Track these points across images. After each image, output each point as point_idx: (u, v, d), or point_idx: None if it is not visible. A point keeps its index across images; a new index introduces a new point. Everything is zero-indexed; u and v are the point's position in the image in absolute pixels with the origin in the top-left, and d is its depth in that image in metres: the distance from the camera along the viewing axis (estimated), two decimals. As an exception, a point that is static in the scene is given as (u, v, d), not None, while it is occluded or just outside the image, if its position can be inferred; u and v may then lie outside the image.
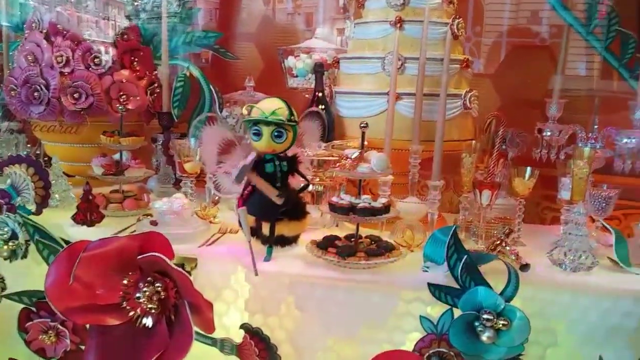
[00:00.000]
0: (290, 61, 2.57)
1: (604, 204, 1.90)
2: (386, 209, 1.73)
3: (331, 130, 2.19)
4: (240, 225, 1.74)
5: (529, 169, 1.96)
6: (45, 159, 2.53)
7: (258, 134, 1.69)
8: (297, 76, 2.57)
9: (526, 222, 2.16)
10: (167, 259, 1.52)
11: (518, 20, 3.00)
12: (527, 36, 2.97)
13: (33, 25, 2.45)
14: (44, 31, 2.42)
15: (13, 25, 2.75)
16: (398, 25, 2.11)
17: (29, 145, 2.66)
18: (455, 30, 2.13)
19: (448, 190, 2.27)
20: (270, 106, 1.69)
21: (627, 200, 2.31)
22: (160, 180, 2.59)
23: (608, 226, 1.85)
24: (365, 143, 1.74)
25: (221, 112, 2.58)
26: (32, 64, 2.38)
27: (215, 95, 2.56)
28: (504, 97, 2.99)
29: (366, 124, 1.73)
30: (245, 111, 1.72)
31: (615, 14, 2.08)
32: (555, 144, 2.20)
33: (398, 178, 2.09)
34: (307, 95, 2.55)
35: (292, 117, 1.71)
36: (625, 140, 1.96)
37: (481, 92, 2.65)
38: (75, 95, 2.35)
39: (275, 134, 1.68)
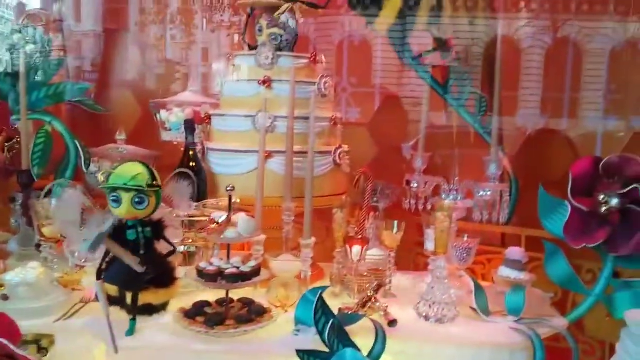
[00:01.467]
0: (163, 115, 2.51)
1: (465, 255, 2.00)
2: (256, 272, 1.71)
3: (203, 188, 2.15)
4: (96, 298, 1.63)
5: (395, 222, 2.03)
6: None
7: (117, 201, 1.61)
8: (170, 130, 2.51)
9: (400, 269, 2.24)
10: (10, 344, 1.38)
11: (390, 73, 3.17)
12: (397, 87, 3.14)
13: None
14: None
15: None
16: (267, 84, 2.14)
17: None
18: (323, 89, 2.19)
19: (328, 238, 2.30)
20: (130, 172, 1.62)
21: (489, 245, 2.47)
22: (21, 243, 2.39)
23: (468, 277, 1.95)
24: (237, 201, 1.72)
25: (87, 167, 2.45)
26: None
27: (80, 150, 2.43)
28: (379, 144, 3.12)
29: (232, 187, 1.71)
30: (102, 177, 1.63)
31: (469, 76, 2.25)
32: (422, 195, 2.30)
33: (273, 233, 2.09)
34: (181, 149, 2.49)
35: (155, 182, 1.64)
36: (481, 193, 2.09)
37: (358, 139, 2.74)
38: None
39: (136, 200, 1.61)
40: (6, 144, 2.33)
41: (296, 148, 2.06)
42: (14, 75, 2.38)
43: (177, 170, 1.85)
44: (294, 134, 2.03)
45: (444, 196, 2.20)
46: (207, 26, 3.50)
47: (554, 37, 3.10)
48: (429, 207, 2.29)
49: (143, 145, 2.70)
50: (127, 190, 1.60)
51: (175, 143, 2.54)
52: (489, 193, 2.09)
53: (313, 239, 1.97)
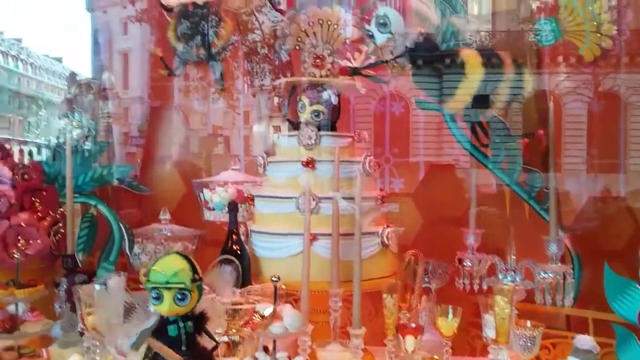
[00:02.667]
0: (206, 194, 2.50)
1: (529, 344, 1.84)
2: (303, 368, 1.61)
3: (246, 273, 2.08)
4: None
5: (450, 309, 1.90)
6: None
7: (159, 298, 1.54)
8: (213, 209, 2.48)
9: (455, 354, 2.08)
10: None
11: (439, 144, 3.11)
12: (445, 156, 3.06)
13: None
14: None
15: None
16: (310, 165, 2.09)
17: None
18: (367, 168, 2.13)
19: (377, 317, 2.18)
20: (171, 268, 1.56)
21: (553, 328, 2.29)
22: (64, 329, 2.35)
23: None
24: (282, 287, 1.64)
25: (131, 250, 2.42)
26: None
27: (125, 232, 2.41)
28: (425, 215, 3.02)
29: (278, 277, 1.64)
30: (143, 276, 1.58)
31: (516, 146, 2.15)
32: (477, 274, 2.17)
33: (319, 316, 2.00)
34: (225, 228, 2.46)
35: (197, 276, 1.58)
36: (542, 275, 1.95)
37: (402, 211, 2.64)
38: (-35, 244, 2.14)
39: (179, 297, 1.54)
40: (52, 228, 2.33)
41: (342, 230, 1.98)
42: (62, 159, 2.42)
43: (221, 258, 1.78)
44: (339, 215, 1.96)
45: (500, 276, 2.07)
46: (248, 90, 3.54)
47: (595, 90, 3.00)
48: (484, 287, 2.16)
49: (187, 222, 2.68)
50: (169, 287, 1.54)
51: (218, 223, 2.51)
52: (550, 275, 1.95)
53: (363, 329, 1.85)
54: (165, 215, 2.60)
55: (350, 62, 2.11)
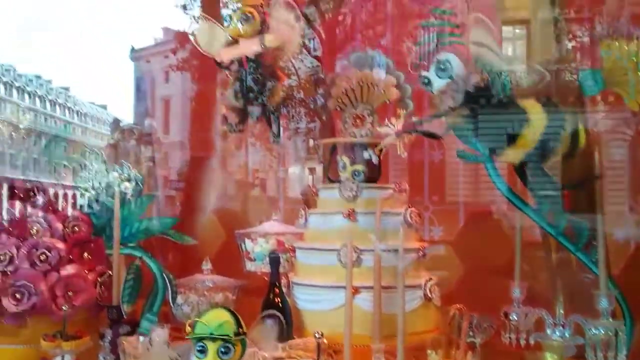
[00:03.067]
0: (247, 245, 2.53)
1: (581, 404, 1.77)
2: None
3: (288, 326, 2.07)
4: None
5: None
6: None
7: (203, 351, 1.56)
8: (254, 260, 2.51)
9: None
10: None
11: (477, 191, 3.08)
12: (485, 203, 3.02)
13: (-22, 222, 2.37)
14: (-11, 229, 2.34)
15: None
16: (351, 217, 2.10)
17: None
18: (409, 219, 2.12)
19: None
20: (216, 320, 1.58)
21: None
22: (109, 382, 2.38)
23: None
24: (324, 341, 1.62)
25: (174, 301, 2.45)
26: (-27, 263, 2.26)
27: (168, 283, 2.45)
28: (466, 264, 2.97)
29: (321, 334, 1.63)
30: (188, 327, 1.60)
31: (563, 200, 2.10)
32: (523, 329, 2.11)
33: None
34: (266, 278, 2.48)
35: (240, 330, 1.60)
36: (594, 331, 1.88)
37: (443, 259, 2.61)
38: (17, 296, 2.21)
39: (222, 350, 1.56)
40: (98, 279, 2.38)
41: (384, 282, 1.96)
42: (109, 212, 2.49)
43: (265, 313, 1.79)
44: (381, 268, 1.95)
45: (549, 331, 2.00)
46: (283, 133, 3.58)
47: (636, 128, 2.94)
48: (531, 342, 2.10)
49: (227, 269, 2.71)
50: (214, 339, 1.56)
51: (259, 274, 2.53)
52: (602, 330, 1.87)
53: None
54: (207, 265, 2.64)
55: (389, 126, 2.12)
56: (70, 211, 2.62)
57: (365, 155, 2.18)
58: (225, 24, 2.34)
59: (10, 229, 2.33)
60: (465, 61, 2.11)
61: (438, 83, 2.07)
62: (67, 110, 18.65)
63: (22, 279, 2.23)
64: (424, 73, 2.09)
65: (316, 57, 6.44)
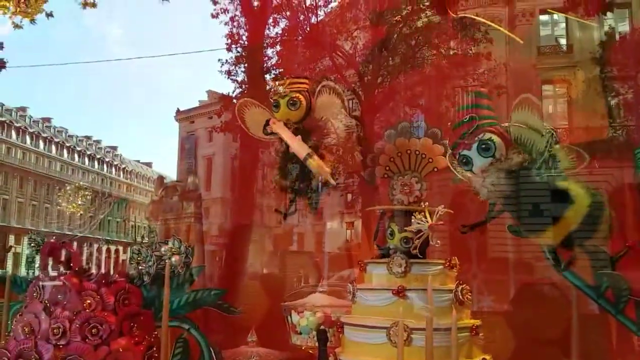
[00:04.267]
0: (294, 317, 2.51)
1: None
2: None
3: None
4: None
5: None
6: None
7: None
8: (300, 333, 2.48)
9: None
10: None
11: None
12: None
13: (34, 294, 2.43)
14: (44, 300, 2.39)
15: (17, 286, 2.75)
16: (401, 294, 2.07)
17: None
18: (460, 296, 2.08)
19: None
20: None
21: None
22: None
23: None
24: None
25: (221, 375, 2.43)
26: (27, 335, 2.31)
27: (214, 357, 2.44)
28: (518, 336, 2.86)
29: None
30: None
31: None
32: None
33: None
34: (311, 352, 2.45)
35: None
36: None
37: (493, 330, 2.52)
38: (69, 370, 2.23)
39: None
40: (147, 352, 2.39)
41: (436, 363, 1.90)
42: (159, 285, 2.52)
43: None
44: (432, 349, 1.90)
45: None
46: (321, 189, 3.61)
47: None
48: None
49: (273, 343, 2.69)
50: None
51: (303, 348, 2.50)
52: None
53: None
54: (252, 337, 2.63)
55: (419, 222, 2.13)
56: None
57: (415, 223, 2.15)
58: (275, 109, 2.45)
59: (65, 302, 2.37)
60: (505, 141, 2.13)
61: (480, 162, 2.09)
62: (113, 168, 19.37)
63: (74, 352, 2.25)
64: (464, 152, 2.11)
65: (355, 117, 6.53)
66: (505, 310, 2.95)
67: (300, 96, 2.39)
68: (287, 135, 2.31)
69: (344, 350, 2.23)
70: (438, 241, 2.10)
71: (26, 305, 2.47)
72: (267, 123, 2.46)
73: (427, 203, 2.28)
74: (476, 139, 2.12)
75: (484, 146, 2.08)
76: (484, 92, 2.23)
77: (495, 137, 2.12)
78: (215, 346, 2.49)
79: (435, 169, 2.26)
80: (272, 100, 2.45)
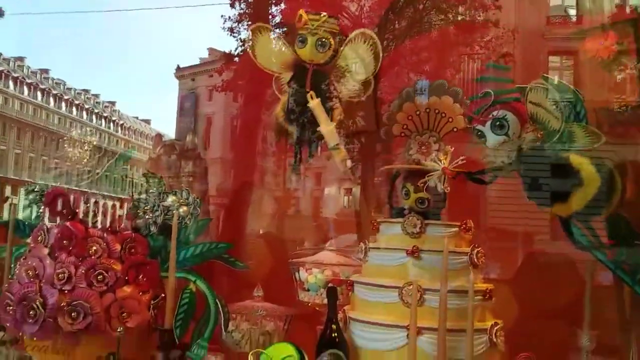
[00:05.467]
0: (301, 274, 2.48)
1: None
2: None
3: (347, 364, 2.01)
4: None
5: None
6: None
7: (267, 385, 1.52)
8: (308, 290, 2.46)
9: None
10: None
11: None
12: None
13: (39, 238, 2.40)
14: (49, 245, 2.36)
15: (20, 230, 2.71)
16: (415, 255, 2.04)
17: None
18: (475, 259, 2.05)
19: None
20: (281, 355, 1.55)
21: None
22: (158, 406, 2.35)
23: None
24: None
25: (226, 328, 2.42)
26: (32, 279, 2.28)
27: (221, 310, 2.42)
28: (524, 305, 2.85)
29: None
30: (251, 358, 1.57)
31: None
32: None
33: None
34: (317, 309, 2.44)
35: (305, 368, 1.55)
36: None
37: (499, 299, 2.51)
38: (73, 315, 2.21)
39: (285, 384, 1.52)
40: (152, 302, 2.37)
41: (448, 325, 1.88)
42: (166, 235, 2.49)
43: (326, 353, 1.74)
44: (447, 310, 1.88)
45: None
46: (321, 152, 3.55)
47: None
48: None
49: (279, 299, 2.68)
50: (277, 376, 1.51)
51: (309, 304, 2.48)
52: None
53: None
54: (259, 292, 2.61)
55: (437, 162, 2.07)
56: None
57: (431, 183, 2.10)
58: (299, 44, 2.28)
59: (70, 247, 2.34)
60: (520, 119, 2.08)
61: (493, 139, 2.05)
62: (111, 123, 19.23)
63: (79, 298, 2.23)
64: (478, 127, 2.06)
65: (343, 161, 6.45)
66: (511, 279, 2.93)
67: (331, 38, 2.23)
68: (322, 116, 2.17)
69: (354, 308, 2.22)
70: (447, 187, 2.03)
71: (30, 250, 2.44)
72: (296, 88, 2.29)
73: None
74: (491, 115, 2.08)
75: (498, 124, 2.04)
76: (502, 64, 2.16)
77: (510, 115, 2.08)
78: (221, 299, 2.47)
79: (455, 129, 2.19)
80: (298, 34, 2.25)
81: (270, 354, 1.57)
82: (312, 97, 2.20)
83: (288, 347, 1.59)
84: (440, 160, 2.10)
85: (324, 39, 2.22)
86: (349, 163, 2.29)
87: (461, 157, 2.10)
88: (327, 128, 2.20)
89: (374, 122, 3.99)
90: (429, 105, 2.19)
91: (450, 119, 2.19)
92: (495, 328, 2.02)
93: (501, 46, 7.35)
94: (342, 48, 2.27)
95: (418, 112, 2.21)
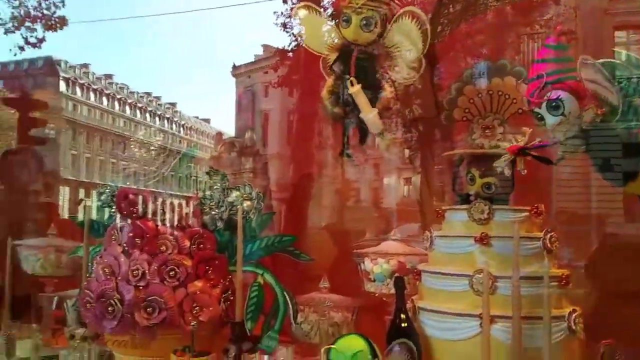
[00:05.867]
0: (367, 265, 2.47)
1: None
2: None
3: (417, 353, 1.98)
4: None
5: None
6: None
7: (340, 378, 1.52)
8: (374, 281, 2.45)
9: None
10: None
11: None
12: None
13: (112, 238, 2.50)
14: (122, 244, 2.45)
15: (95, 230, 2.83)
16: (484, 242, 1.98)
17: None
18: (549, 244, 1.97)
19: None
20: (351, 348, 1.55)
21: None
22: (235, 395, 2.41)
23: None
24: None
25: (295, 319, 2.45)
26: (108, 277, 2.38)
27: (289, 302, 2.44)
28: (600, 289, 2.73)
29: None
30: (323, 354, 1.58)
31: None
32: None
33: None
34: (385, 299, 2.42)
35: (376, 359, 1.54)
36: None
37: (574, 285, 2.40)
38: (149, 310, 2.29)
39: (357, 380, 1.51)
40: (222, 296, 2.42)
41: (522, 313, 1.82)
42: (232, 231, 2.54)
43: (396, 342, 1.72)
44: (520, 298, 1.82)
45: None
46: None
47: None
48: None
49: (344, 291, 2.68)
50: (349, 368, 1.51)
51: (376, 295, 2.47)
52: None
53: None
54: (325, 284, 2.62)
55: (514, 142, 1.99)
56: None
57: (497, 167, 2.03)
58: (344, 24, 2.23)
59: (142, 245, 2.42)
60: (578, 98, 1.97)
61: (551, 120, 1.96)
62: (174, 124, 19.86)
63: (153, 294, 2.31)
64: (536, 109, 1.98)
65: (413, 68, 6.32)
66: (586, 263, 2.81)
67: (377, 17, 2.16)
68: (363, 102, 2.12)
69: (422, 298, 2.19)
70: (525, 169, 1.95)
71: (105, 248, 2.55)
72: (340, 70, 2.26)
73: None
74: (545, 96, 1.99)
75: (553, 105, 1.95)
76: (556, 43, 2.05)
77: (565, 95, 1.98)
78: (289, 292, 2.49)
79: (520, 111, 2.11)
80: (342, 13, 2.19)
81: (340, 347, 1.56)
82: (352, 84, 2.15)
83: (358, 340, 1.58)
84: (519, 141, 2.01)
85: (369, 18, 2.15)
86: (394, 150, 2.22)
87: (538, 139, 2.00)
88: (368, 115, 2.15)
89: (433, 108, 3.92)
90: (491, 87, 2.12)
91: (514, 100, 2.11)
92: (574, 315, 1.94)
93: (562, 24, 7.04)
94: (389, 27, 2.19)
95: (480, 95, 2.14)
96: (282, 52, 8.63)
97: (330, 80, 2.33)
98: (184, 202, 2.70)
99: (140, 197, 2.61)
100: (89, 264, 2.71)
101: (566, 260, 2.91)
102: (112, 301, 2.32)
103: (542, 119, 2.02)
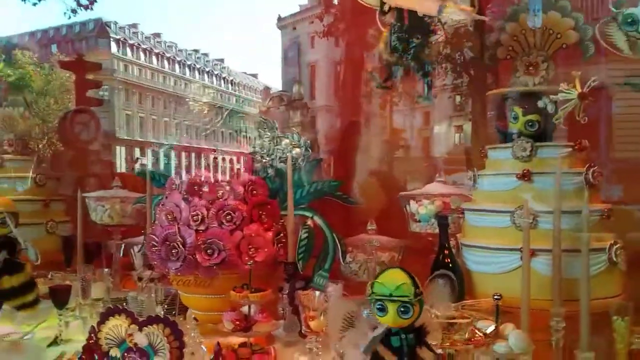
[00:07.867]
0: (412, 206, 2.56)
1: None
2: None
3: (460, 287, 2.09)
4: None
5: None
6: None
7: (383, 310, 1.63)
8: (419, 221, 2.54)
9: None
10: None
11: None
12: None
13: (173, 186, 2.67)
14: (183, 192, 2.62)
15: (156, 181, 3.03)
16: (526, 178, 2.02)
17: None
18: (591, 179, 1.99)
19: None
20: (394, 281, 1.63)
21: None
22: (286, 329, 2.59)
23: None
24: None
25: (344, 259, 2.58)
26: (171, 222, 2.57)
27: (338, 243, 2.58)
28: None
29: (500, 295, 1.62)
30: (368, 288, 1.68)
31: None
32: None
33: (537, 335, 1.91)
34: (430, 239, 2.51)
35: (418, 291, 1.64)
36: None
37: (622, 222, 2.42)
38: (209, 252, 2.48)
39: (402, 309, 1.61)
40: (275, 238, 2.58)
41: (563, 245, 1.88)
42: (282, 176, 2.67)
43: (436, 273, 1.82)
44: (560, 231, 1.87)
45: None
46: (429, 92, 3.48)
47: None
48: None
49: (391, 233, 2.78)
50: (392, 300, 1.61)
51: (423, 234, 2.56)
52: None
53: (592, 354, 1.74)
54: (372, 226, 2.73)
55: (568, 92, 1.94)
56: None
57: (541, 104, 2.03)
58: None
59: (201, 193, 2.59)
60: None
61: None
62: (222, 80, 20.07)
63: (212, 236, 2.49)
64: (629, 10, 1.88)
65: (463, 9, 6.11)
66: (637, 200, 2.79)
67: None
68: (407, 3, 2.08)
69: (466, 235, 2.27)
70: (586, 117, 1.94)
71: (166, 196, 2.73)
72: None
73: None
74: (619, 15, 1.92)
75: (629, 20, 1.88)
76: None
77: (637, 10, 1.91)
78: (337, 233, 2.62)
79: (564, 46, 2.09)
80: None
81: (383, 281, 1.66)
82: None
83: (401, 274, 1.66)
84: (571, 91, 1.98)
85: None
86: (470, 8, 2.10)
87: (593, 78, 1.97)
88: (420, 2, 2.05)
89: (482, 51, 3.84)
90: (535, 23, 2.10)
91: (558, 35, 2.09)
92: (615, 247, 1.98)
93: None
94: None
95: (523, 32, 2.13)
96: (327, 0, 8.52)
97: (385, 33, 2.33)
98: (234, 158, 2.85)
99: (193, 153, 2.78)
100: (152, 212, 2.92)
101: (616, 197, 2.90)
102: (175, 244, 2.52)
103: (634, 22, 1.89)
